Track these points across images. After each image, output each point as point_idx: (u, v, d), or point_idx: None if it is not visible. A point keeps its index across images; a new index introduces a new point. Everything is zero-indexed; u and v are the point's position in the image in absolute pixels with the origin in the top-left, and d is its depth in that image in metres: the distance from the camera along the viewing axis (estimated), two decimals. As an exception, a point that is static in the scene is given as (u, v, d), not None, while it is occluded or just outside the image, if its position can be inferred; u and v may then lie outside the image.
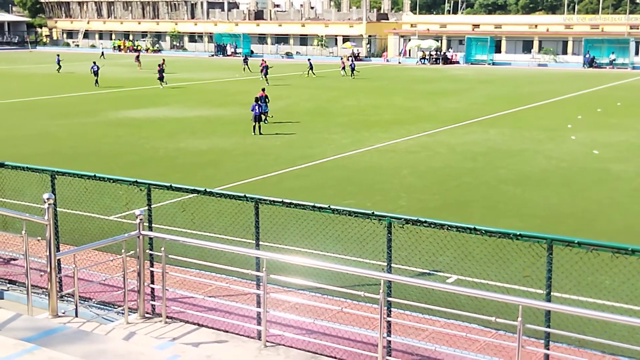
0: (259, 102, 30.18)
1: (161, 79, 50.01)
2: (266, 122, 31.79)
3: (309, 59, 65.67)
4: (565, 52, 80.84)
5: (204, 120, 34.15)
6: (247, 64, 64.55)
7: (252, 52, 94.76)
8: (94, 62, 52.87)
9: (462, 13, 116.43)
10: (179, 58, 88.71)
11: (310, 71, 60.70)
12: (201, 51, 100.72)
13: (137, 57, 70.56)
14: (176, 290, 10.58)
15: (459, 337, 9.19)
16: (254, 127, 29.76)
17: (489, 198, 19.65)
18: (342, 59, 67.75)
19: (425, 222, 8.52)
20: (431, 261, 12.50)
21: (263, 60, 58.11)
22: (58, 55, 65.67)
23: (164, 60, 58.64)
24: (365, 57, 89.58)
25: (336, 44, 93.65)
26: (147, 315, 9.57)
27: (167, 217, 14.71)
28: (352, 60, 64.26)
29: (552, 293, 8.03)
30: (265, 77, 52.58)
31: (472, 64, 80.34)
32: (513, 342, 7.49)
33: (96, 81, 50.55)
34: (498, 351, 9.22)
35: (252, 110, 29.84)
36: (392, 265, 9.10)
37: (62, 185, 12.28)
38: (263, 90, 33.45)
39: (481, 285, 11.61)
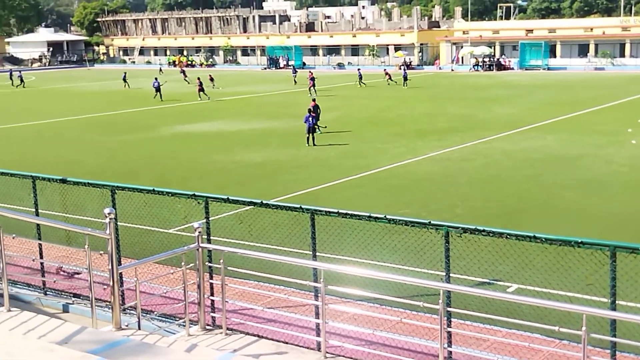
0: (312, 113, 30.32)
1: (201, 90, 51.58)
2: (319, 131, 31.87)
3: (358, 69, 65.67)
4: (622, 55, 79.07)
5: (259, 133, 34.44)
6: (295, 76, 64.99)
7: (304, 63, 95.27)
8: (155, 78, 55.00)
9: (514, 18, 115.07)
10: (232, 72, 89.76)
11: (360, 81, 60.74)
12: (254, 64, 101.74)
13: (183, 72, 70.21)
14: (235, 302, 10.67)
15: (521, 347, 9.03)
16: (308, 138, 29.90)
17: (548, 205, 19.31)
18: (385, 70, 66.83)
19: (484, 230, 8.42)
20: (490, 270, 12.33)
21: (310, 72, 58.62)
22: (125, 73, 66.72)
23: (211, 76, 59.87)
24: (417, 65, 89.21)
25: (388, 53, 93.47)
26: (207, 327, 9.67)
27: (224, 230, 14.86)
28: (404, 69, 63.87)
29: (616, 301, 7.84)
30: (313, 88, 52.70)
31: (526, 69, 79.22)
32: (578, 352, 7.33)
33: (160, 96, 52.38)
34: (562, 361, 9.04)
35: (305, 122, 30.01)
36: (451, 275, 9.02)
37: (122, 200, 12.52)
38: (314, 100, 33.65)
39: (543, 294, 11.41)
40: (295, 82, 63.65)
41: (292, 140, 31.45)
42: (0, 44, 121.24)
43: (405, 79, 60.35)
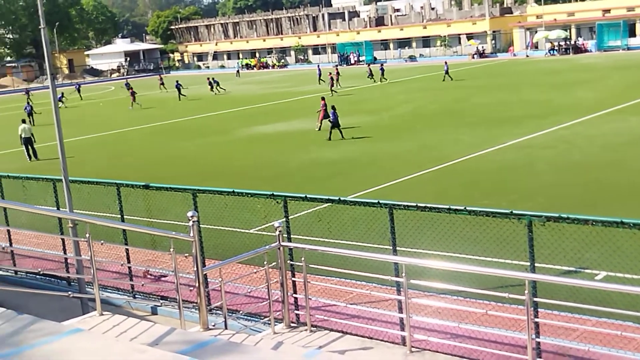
0: (334, 110, 30.99)
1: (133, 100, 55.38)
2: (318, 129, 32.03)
3: (381, 64, 64.36)
4: None
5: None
6: (320, 76, 63.20)
7: (375, 58, 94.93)
8: (177, 81, 62.13)
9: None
10: (304, 71, 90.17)
11: (382, 77, 59.65)
12: (325, 62, 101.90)
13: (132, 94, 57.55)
14: (318, 299, 10.74)
15: (612, 336, 8.79)
16: (340, 132, 30.69)
17: (634, 189, 18.69)
18: (333, 69, 59.55)
19: (568, 218, 8.24)
20: (577, 258, 12.03)
21: (336, 67, 58.42)
22: (209, 78, 66.27)
23: (209, 80, 63.98)
24: (491, 53, 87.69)
25: (460, 42, 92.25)
26: (292, 324, 9.77)
27: (304, 228, 14.96)
28: (446, 65, 58.63)
29: None
30: (337, 84, 52.11)
31: (604, 51, 76.82)
32: (673, 339, 7.08)
33: (179, 96, 59.08)
34: (657, 350, 8.75)
35: (333, 118, 30.78)
36: (536, 264, 8.85)
37: (204, 203, 12.78)
38: (323, 99, 34.22)
39: (633, 281, 11.05)
40: (322, 80, 61.48)
41: (365, 135, 31.41)
42: (80, 56, 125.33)
43: (447, 73, 56.59)
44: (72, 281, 14.72)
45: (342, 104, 46.32)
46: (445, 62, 60.20)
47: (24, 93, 72.71)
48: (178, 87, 60.40)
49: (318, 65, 74.68)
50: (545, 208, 16.24)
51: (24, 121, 34.46)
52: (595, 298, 8.89)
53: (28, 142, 32.63)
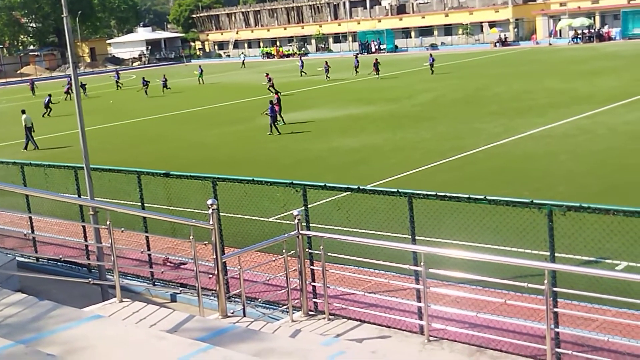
0: (272, 105, 31.95)
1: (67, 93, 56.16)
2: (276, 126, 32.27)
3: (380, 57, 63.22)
4: None
5: (354, 119, 34.45)
6: (302, 68, 63.83)
7: (396, 47, 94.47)
8: (143, 78, 60.17)
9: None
10: (324, 60, 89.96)
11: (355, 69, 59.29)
12: (346, 51, 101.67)
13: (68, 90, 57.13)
14: (337, 288, 10.75)
15: (633, 326, 8.73)
16: (272, 127, 31.55)
17: (657, 179, 18.49)
18: (267, 74, 53.00)
19: (589, 207, 8.17)
20: (597, 248, 11.92)
21: (326, 62, 60.23)
22: (164, 75, 63.44)
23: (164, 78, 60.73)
24: (514, 41, 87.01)
25: (482, 30, 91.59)
26: (310, 312, 9.80)
27: (323, 216, 14.97)
28: (431, 58, 57.33)
29: None
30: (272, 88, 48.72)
31: (629, 39, 75.82)
32: (694, 331, 7.01)
33: (145, 92, 57.67)
34: (678, 341, 8.65)
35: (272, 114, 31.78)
36: (556, 254, 8.79)
37: (223, 191, 12.83)
38: (277, 93, 35.13)
39: (654, 272, 10.96)
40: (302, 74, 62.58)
41: (387, 124, 31.34)
42: (102, 45, 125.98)
43: (432, 66, 55.34)
44: (93, 268, 14.87)
45: (365, 92, 46.24)
46: (431, 55, 59.98)
47: (28, 84, 72.29)
48: (145, 83, 58.60)
49: (301, 57, 74.26)
50: (566, 197, 16.13)
51: (23, 112, 34.36)
52: (615, 288, 8.82)
53: (28, 131, 32.92)
